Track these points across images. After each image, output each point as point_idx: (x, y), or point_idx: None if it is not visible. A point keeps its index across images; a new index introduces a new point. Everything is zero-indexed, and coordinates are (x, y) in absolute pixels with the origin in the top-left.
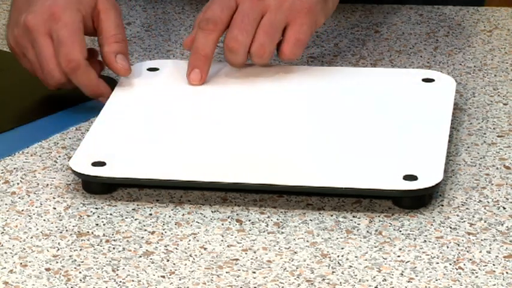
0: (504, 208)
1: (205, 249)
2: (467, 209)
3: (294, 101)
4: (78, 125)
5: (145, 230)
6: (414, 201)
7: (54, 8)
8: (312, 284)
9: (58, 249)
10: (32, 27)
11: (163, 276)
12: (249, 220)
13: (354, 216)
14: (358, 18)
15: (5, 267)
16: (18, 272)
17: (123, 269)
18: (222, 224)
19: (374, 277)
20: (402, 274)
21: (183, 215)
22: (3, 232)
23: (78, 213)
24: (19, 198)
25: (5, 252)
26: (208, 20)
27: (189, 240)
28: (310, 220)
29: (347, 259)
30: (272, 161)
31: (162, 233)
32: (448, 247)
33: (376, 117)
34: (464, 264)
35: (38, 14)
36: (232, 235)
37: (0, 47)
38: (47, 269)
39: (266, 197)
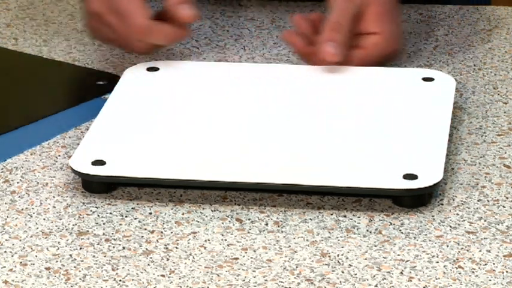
0: (504, 207)
1: (205, 248)
2: (467, 208)
3: (293, 100)
4: (78, 125)
5: (145, 229)
6: (414, 200)
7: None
8: (311, 283)
9: (58, 248)
10: (96, 11)
11: (163, 275)
12: (249, 219)
13: (353, 215)
14: None
15: (4, 266)
16: (18, 271)
17: (123, 268)
18: (222, 223)
19: (374, 276)
20: (402, 273)
21: (183, 214)
22: (3, 231)
23: (78, 212)
24: (19, 197)
25: (5, 252)
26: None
27: (189, 239)
28: (310, 219)
29: (347, 258)
30: (272, 160)
31: (161, 232)
32: (448, 246)
33: (376, 116)
34: (464, 263)
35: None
36: (232, 234)
37: (0, 44)
38: (47, 268)
39: (266, 196)
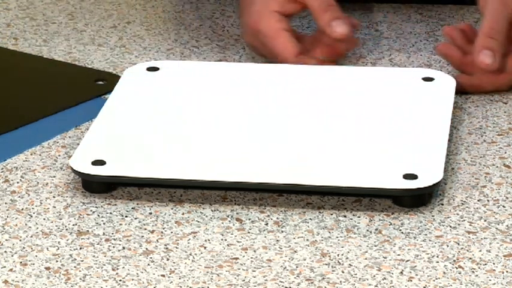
0: (504, 207)
1: (205, 248)
2: (467, 207)
3: (293, 100)
4: (78, 125)
5: (145, 229)
6: (414, 200)
7: (252, 24)
8: (311, 283)
9: (58, 248)
10: (249, 44)
11: (163, 275)
12: (249, 219)
13: (353, 215)
14: (358, 17)
15: (4, 266)
16: (18, 271)
17: (123, 268)
18: (222, 223)
19: (374, 276)
20: (402, 273)
21: (183, 214)
22: (3, 231)
23: (78, 212)
24: (19, 197)
25: (5, 251)
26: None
27: (189, 239)
28: (310, 219)
29: (347, 258)
30: (272, 160)
31: (162, 232)
32: (448, 246)
33: (376, 116)
34: (464, 263)
35: (247, 33)
36: (232, 234)
37: (0, 44)
38: (47, 268)
39: (266, 196)
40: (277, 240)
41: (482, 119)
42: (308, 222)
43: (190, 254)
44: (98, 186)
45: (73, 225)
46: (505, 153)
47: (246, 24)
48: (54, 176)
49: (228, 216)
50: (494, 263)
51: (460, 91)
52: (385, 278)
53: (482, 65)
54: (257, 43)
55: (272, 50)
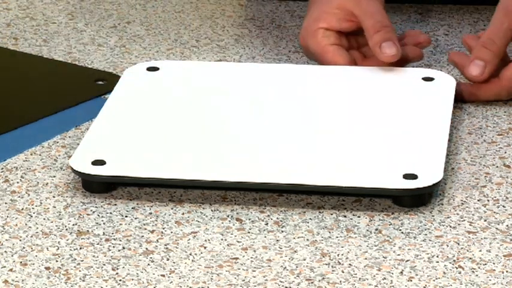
0: (504, 207)
1: (205, 248)
2: (467, 207)
3: (293, 100)
4: (78, 125)
5: (145, 228)
6: (414, 200)
7: (301, 40)
8: (311, 282)
9: (58, 248)
10: (305, 51)
11: (163, 275)
12: (249, 219)
13: (353, 215)
14: None
15: (4, 266)
16: (18, 271)
17: (123, 267)
18: (222, 223)
19: (374, 276)
20: (402, 273)
21: (183, 213)
22: (3, 231)
23: (78, 212)
24: (19, 197)
25: (5, 251)
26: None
27: (189, 239)
28: (310, 219)
29: (347, 258)
30: (272, 160)
31: (162, 232)
32: (448, 246)
33: (376, 116)
34: (464, 263)
35: (303, 49)
36: (232, 234)
37: (0, 44)
38: (47, 268)
39: (266, 196)
40: (277, 240)
41: (482, 119)
42: (308, 222)
43: (190, 254)
44: (98, 186)
45: (73, 225)
46: (505, 153)
47: (300, 35)
48: (54, 176)
49: (228, 216)
50: (494, 263)
51: (460, 99)
52: (385, 278)
53: (469, 76)
54: (310, 55)
55: (323, 64)
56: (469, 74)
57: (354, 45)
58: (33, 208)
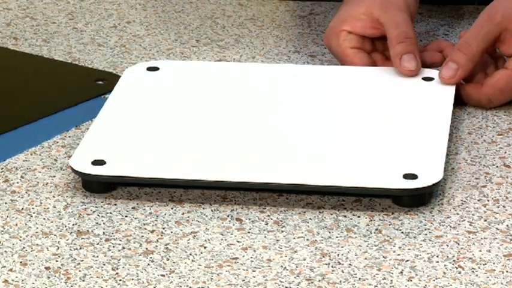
0: (504, 207)
1: (205, 248)
2: (467, 207)
3: (293, 100)
4: (78, 125)
5: (145, 228)
6: (414, 199)
7: (324, 39)
8: (311, 282)
9: (58, 248)
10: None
11: (163, 275)
12: (249, 219)
13: (353, 215)
14: None
15: (4, 266)
16: (18, 271)
17: (123, 267)
18: (222, 223)
19: (374, 276)
20: (402, 273)
21: (183, 213)
22: (3, 231)
23: (78, 212)
24: (19, 197)
25: (5, 251)
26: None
27: (189, 239)
28: (310, 219)
29: (347, 258)
30: (272, 160)
31: (162, 232)
32: (448, 246)
33: (376, 116)
34: (464, 263)
35: (327, 47)
36: (232, 234)
37: (0, 44)
38: (47, 268)
39: (266, 196)
40: (277, 240)
41: (482, 119)
42: (308, 222)
43: (190, 254)
44: (98, 186)
45: (73, 225)
46: (505, 153)
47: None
48: (54, 176)
49: (228, 216)
50: (494, 263)
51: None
52: (385, 278)
53: (441, 78)
54: (333, 54)
55: (343, 65)
56: (441, 76)
57: (380, 49)
58: (33, 208)
